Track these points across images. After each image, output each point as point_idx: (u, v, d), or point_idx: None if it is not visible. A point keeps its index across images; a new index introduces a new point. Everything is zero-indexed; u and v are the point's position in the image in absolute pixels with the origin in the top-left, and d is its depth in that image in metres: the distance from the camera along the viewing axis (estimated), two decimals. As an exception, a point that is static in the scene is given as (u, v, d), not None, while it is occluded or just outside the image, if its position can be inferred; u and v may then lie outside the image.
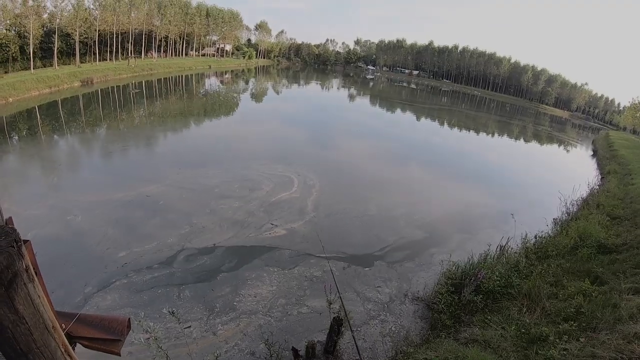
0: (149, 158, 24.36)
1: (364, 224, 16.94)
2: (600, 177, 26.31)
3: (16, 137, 26.25)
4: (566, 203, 18.34)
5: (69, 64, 59.91)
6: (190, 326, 9.90)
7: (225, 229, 15.02)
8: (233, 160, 23.91)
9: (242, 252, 13.63)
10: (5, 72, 45.50)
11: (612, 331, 8.03)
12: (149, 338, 5.82)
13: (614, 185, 20.74)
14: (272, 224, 15.75)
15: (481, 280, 10.90)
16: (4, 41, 46.29)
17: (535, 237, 14.40)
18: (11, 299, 1.87)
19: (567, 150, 54.48)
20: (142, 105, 42.63)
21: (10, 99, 38.20)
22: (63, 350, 2.40)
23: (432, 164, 28.79)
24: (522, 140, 55.53)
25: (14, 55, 48.93)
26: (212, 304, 10.91)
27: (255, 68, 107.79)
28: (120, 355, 3.35)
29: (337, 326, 9.11)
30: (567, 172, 31.38)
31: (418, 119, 58.13)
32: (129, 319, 3.38)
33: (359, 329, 10.55)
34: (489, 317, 9.86)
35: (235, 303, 11.08)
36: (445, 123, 57.85)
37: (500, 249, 12.75)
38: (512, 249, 13.26)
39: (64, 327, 2.97)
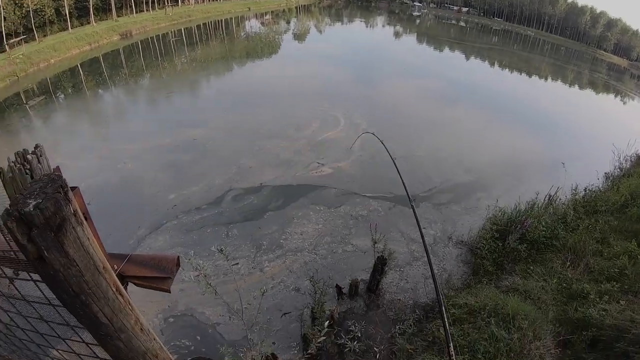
0: (193, 103, 24.46)
1: (412, 164, 16.75)
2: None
3: (62, 96, 26.75)
4: (619, 158, 17.30)
5: (106, 20, 59.81)
6: (237, 263, 10.26)
7: (272, 168, 15.21)
8: (278, 101, 23.78)
9: (288, 191, 13.82)
10: (44, 36, 45.80)
11: None
12: (198, 275, 6.00)
13: (672, 142, 19.46)
14: (318, 163, 15.82)
15: (527, 229, 10.67)
16: (38, 6, 46.45)
17: (585, 189, 13.67)
18: (61, 243, 1.97)
19: (624, 103, 50.82)
20: (183, 52, 42.33)
21: (52, 60, 38.34)
22: (114, 289, 2.53)
23: (482, 106, 27.73)
24: (576, 86, 51.99)
25: (50, 18, 49.03)
26: (259, 241, 11.22)
27: (296, 7, 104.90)
28: (170, 292, 3.48)
29: (380, 265, 9.21)
30: (622, 126, 29.51)
31: (467, 58, 55.30)
32: (178, 257, 3.50)
33: (402, 269, 10.67)
34: (532, 268, 9.76)
35: (281, 241, 11.35)
36: (496, 64, 55.13)
37: (549, 199, 12.28)
38: (560, 199, 12.76)
39: (115, 267, 3.12)
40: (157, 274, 3.39)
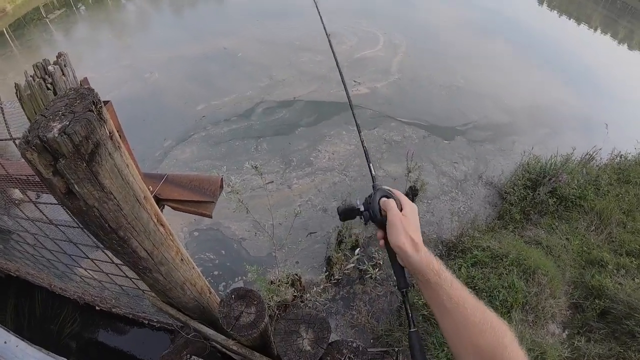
0: (222, 11, 23.37)
1: (450, 94, 16.02)
2: None
3: (83, 7, 25.81)
4: None
5: None
6: (272, 181, 10.14)
7: (305, 82, 14.66)
8: (314, 12, 22.71)
9: (322, 108, 13.40)
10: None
11: None
12: (230, 192, 5.80)
13: None
14: (354, 81, 15.19)
15: (561, 183, 10.36)
16: None
17: (620, 156, 12.93)
18: (94, 174, 1.62)
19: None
20: None
21: None
22: (155, 220, 2.24)
23: (530, 46, 26.04)
24: (625, 45, 48.63)
25: None
26: (288, 157, 11.02)
27: None
28: (211, 217, 3.26)
29: (411, 195, 9.01)
30: None
31: None
32: (222, 178, 3.24)
33: (429, 201, 10.42)
34: (557, 224, 9.64)
35: (311, 158, 11.13)
36: (546, 3, 52.21)
37: (588, 158, 11.87)
38: (595, 160, 12.23)
39: (151, 189, 2.85)
40: (199, 198, 3.15)
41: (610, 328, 7.17)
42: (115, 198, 1.74)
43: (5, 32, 21.82)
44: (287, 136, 11.84)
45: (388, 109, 13.95)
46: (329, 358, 3.34)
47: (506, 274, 7.50)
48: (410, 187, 9.07)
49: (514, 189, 10.71)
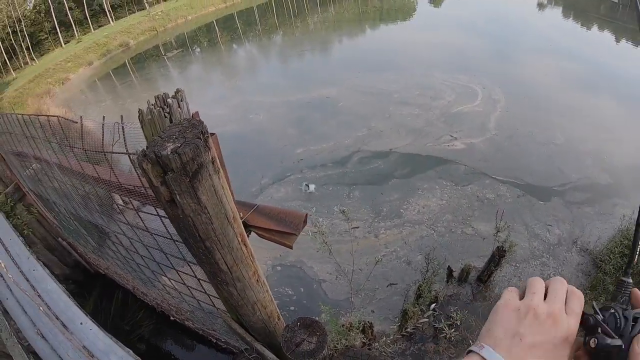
0: (326, 62, 24.42)
1: (548, 153, 15.43)
2: None
3: (197, 49, 27.85)
4: None
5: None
6: (358, 227, 10.28)
7: (402, 135, 14.89)
8: (413, 67, 22.74)
9: (416, 161, 13.51)
10: (182, -6, 48.41)
11: None
12: (316, 232, 6.04)
13: None
14: (451, 136, 15.18)
15: None
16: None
17: None
18: (195, 189, 1.98)
19: None
20: (316, 12, 42.23)
21: (189, 17, 41.94)
22: (240, 240, 2.57)
23: (629, 98, 24.78)
24: None
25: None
26: (379, 207, 11.17)
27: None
28: (292, 249, 3.52)
29: (498, 256, 8.82)
30: None
31: (617, 40, 47.74)
32: (306, 214, 3.50)
33: (517, 264, 10.10)
34: None
35: (401, 210, 11.20)
36: None
37: None
38: None
39: (241, 215, 3.17)
40: (283, 229, 3.43)
41: None
42: (208, 212, 2.09)
43: (127, 64, 23.77)
44: (380, 186, 12.01)
45: (484, 165, 13.79)
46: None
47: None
48: (498, 247, 8.89)
49: (610, 257, 10.03)
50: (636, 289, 1.12)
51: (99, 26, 42.35)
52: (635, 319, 1.05)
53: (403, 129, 15.41)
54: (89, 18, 41.65)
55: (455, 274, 9.22)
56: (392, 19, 40.74)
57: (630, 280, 1.15)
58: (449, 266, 9.19)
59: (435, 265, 8.47)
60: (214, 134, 2.56)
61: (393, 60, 24.35)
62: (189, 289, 4.87)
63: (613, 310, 1.10)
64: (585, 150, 16.40)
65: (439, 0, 56.10)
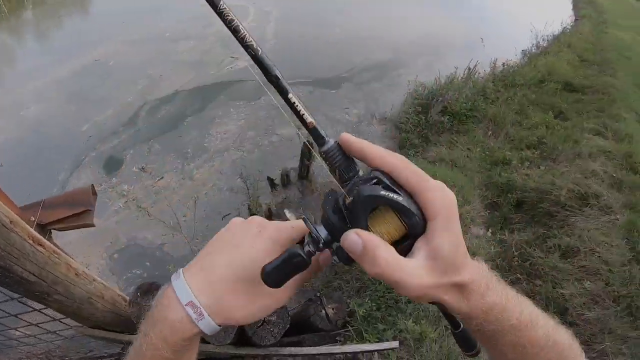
0: (85, 20, 22.35)
1: (329, 47, 16.50)
2: (574, 19, 24.77)
3: None
4: (537, 37, 18.01)
5: None
6: (162, 177, 9.99)
7: (184, 72, 14.54)
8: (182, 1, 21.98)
9: (205, 92, 13.43)
10: None
11: (572, 164, 8.81)
12: (126, 201, 5.87)
13: (587, 30, 20.12)
14: (232, 57, 15.19)
15: (448, 101, 11.27)
16: None
17: (503, 64, 14.26)
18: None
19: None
20: None
21: None
22: (31, 242, 2.39)
23: None
24: None
25: None
26: (183, 150, 10.98)
27: None
28: (94, 226, 3.38)
29: (307, 151, 9.26)
30: (540, 6, 28.92)
31: None
32: (92, 185, 3.37)
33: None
34: (455, 138, 10.57)
35: (205, 144, 11.18)
36: None
37: (468, 72, 12.73)
38: (479, 73, 13.26)
39: (32, 219, 2.96)
40: (76, 210, 3.26)
41: (528, 215, 7.99)
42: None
43: None
44: (177, 130, 11.78)
45: (270, 76, 14.03)
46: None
47: (416, 197, 7.94)
48: (304, 142, 9.30)
49: (407, 118, 11.44)
50: (345, 137, 0.88)
51: None
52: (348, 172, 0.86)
53: (183, 66, 15.04)
54: None
55: (277, 181, 9.72)
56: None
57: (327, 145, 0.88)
58: (267, 177, 9.66)
59: (253, 182, 8.80)
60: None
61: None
62: (37, 326, 4.48)
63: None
64: (364, 36, 17.70)
65: None
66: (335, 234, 0.82)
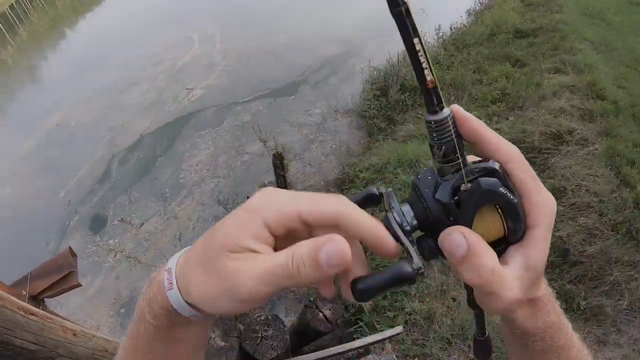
0: (36, 84, 22.22)
1: (278, 55, 16.64)
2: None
3: None
4: None
5: None
6: (143, 224, 10.01)
7: (144, 115, 14.62)
8: (126, 45, 21.80)
9: (169, 129, 13.51)
10: None
11: (538, 107, 8.97)
12: (115, 255, 5.96)
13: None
14: (187, 89, 15.42)
15: (404, 78, 11.39)
16: None
17: (451, 28, 14.44)
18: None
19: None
20: None
21: None
22: (22, 313, 2.54)
23: None
24: None
25: None
26: (161, 191, 11.06)
27: None
28: (81, 285, 3.53)
29: (279, 161, 9.37)
30: None
31: None
32: (69, 247, 3.53)
33: (302, 156, 11.08)
34: (421, 112, 10.59)
35: (181, 180, 11.27)
36: None
37: None
38: (429, 43, 13.40)
39: (24, 293, 3.11)
40: (59, 275, 3.39)
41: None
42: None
43: None
44: (151, 173, 11.86)
45: (229, 97, 14.35)
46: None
47: (394, 177, 8.10)
48: (273, 154, 9.41)
49: (369, 105, 11.55)
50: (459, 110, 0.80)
51: None
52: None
53: (142, 110, 15.10)
54: None
55: (256, 198, 9.71)
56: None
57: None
58: (247, 196, 9.58)
59: (233, 205, 8.94)
60: None
61: (108, 43, 23.07)
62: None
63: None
64: (309, 35, 17.75)
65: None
66: (428, 223, 0.70)
